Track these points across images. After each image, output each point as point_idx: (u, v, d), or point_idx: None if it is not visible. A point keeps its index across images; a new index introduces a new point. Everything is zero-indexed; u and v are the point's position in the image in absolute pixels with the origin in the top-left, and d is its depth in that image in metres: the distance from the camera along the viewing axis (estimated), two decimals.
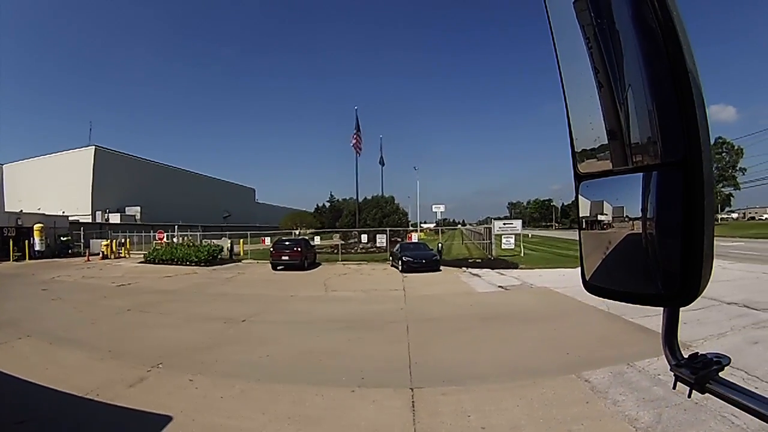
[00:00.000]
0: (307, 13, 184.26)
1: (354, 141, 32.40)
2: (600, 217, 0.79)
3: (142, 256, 25.19)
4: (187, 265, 21.61)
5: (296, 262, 19.12)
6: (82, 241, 30.39)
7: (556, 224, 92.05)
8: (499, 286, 13.78)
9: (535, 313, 9.83)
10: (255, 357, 6.76)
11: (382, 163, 39.77)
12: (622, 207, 0.74)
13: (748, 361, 5.71)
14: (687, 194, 0.64)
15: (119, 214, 42.98)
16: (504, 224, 26.08)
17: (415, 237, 23.90)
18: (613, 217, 0.76)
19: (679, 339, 0.76)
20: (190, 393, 5.23)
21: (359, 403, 4.87)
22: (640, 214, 0.71)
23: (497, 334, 7.94)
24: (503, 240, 24.52)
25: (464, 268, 19.14)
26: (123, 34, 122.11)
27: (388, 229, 24.85)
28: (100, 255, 27.25)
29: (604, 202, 0.78)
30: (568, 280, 14.54)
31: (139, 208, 44.85)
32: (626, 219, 0.73)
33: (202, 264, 21.55)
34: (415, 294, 12.55)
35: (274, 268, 19.54)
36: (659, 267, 0.69)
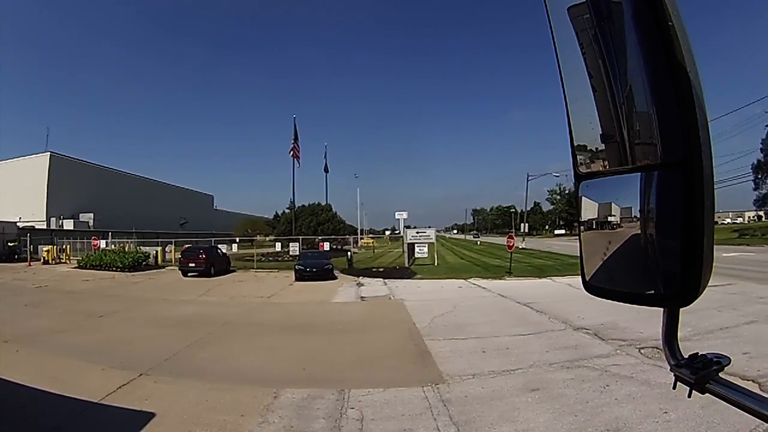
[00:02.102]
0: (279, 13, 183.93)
1: (292, 151, 33.62)
2: (600, 218, 0.80)
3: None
4: (112, 270, 23.02)
5: (201, 269, 20.42)
6: (29, 246, 31.51)
7: (516, 230, 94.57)
8: (362, 297, 14.77)
9: (349, 325, 10.36)
10: (78, 340, 8.65)
11: (326, 170, 41.43)
12: (622, 207, 0.74)
13: (478, 416, 4.92)
14: (687, 194, 0.64)
15: (73, 220, 44.00)
16: (417, 233, 27.06)
17: (327, 246, 25.36)
18: (613, 218, 0.76)
19: (679, 339, 0.76)
20: (11, 357, 7.25)
21: (95, 376, 6.40)
22: (640, 214, 0.71)
23: (279, 342, 8.65)
24: (416, 249, 25.46)
25: (361, 277, 20.29)
26: (86, 31, 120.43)
27: (300, 237, 26.31)
28: (42, 260, 28.52)
29: (604, 203, 0.78)
30: (437, 291, 15.83)
31: (92, 215, 45.89)
32: (626, 219, 0.73)
33: (126, 270, 22.90)
34: (273, 301, 14.03)
35: (185, 274, 20.80)
36: (659, 267, 0.69)
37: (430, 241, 26.62)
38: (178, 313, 11.78)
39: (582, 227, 0.83)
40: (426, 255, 26.06)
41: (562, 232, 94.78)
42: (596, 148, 0.78)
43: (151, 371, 6.81)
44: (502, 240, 64.84)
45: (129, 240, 29.24)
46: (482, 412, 5.04)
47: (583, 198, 0.82)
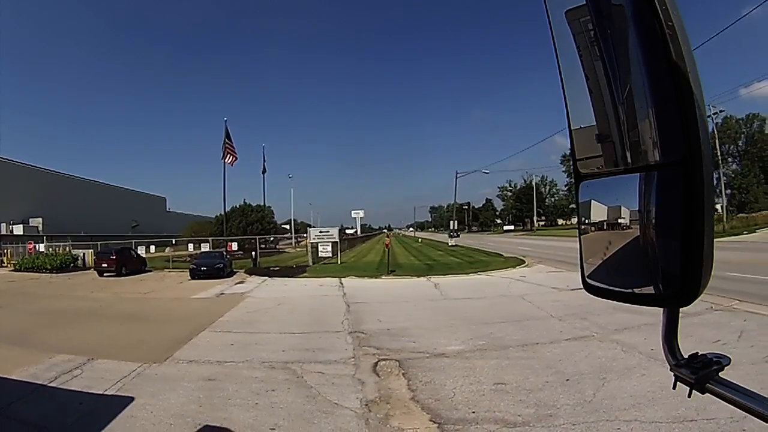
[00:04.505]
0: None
1: (225, 153, 35.62)
2: (600, 217, 0.81)
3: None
4: (42, 272, 25.97)
5: (113, 269, 23.17)
6: None
7: (466, 228, 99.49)
8: (222, 293, 16.96)
9: (172, 317, 12.61)
10: None
11: (263, 171, 44.10)
12: (622, 207, 0.75)
13: (136, 388, 6.16)
14: (687, 194, 0.65)
15: (22, 225, 46.30)
16: (320, 232, 29.44)
17: (235, 246, 28.38)
18: (612, 217, 0.78)
19: (679, 339, 0.78)
20: None
21: None
22: (639, 214, 0.72)
23: (105, 327, 11.14)
24: (320, 248, 28.06)
25: (254, 276, 22.93)
26: (35, 32, 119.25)
27: (210, 238, 29.24)
28: None
29: (604, 202, 0.80)
30: (297, 289, 17.71)
31: (41, 220, 48.24)
32: (626, 219, 0.74)
33: (54, 271, 25.87)
34: (147, 297, 17.07)
35: (100, 274, 23.54)
36: (659, 267, 0.70)
37: (334, 240, 28.85)
38: (58, 306, 14.92)
39: (581, 227, 0.85)
40: (330, 254, 28.18)
41: (511, 228, 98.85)
42: (597, 148, 0.79)
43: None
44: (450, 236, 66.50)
45: (64, 243, 31.95)
46: (143, 386, 6.46)
47: (583, 198, 0.83)
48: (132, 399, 6.04)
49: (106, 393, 6.30)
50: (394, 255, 38.84)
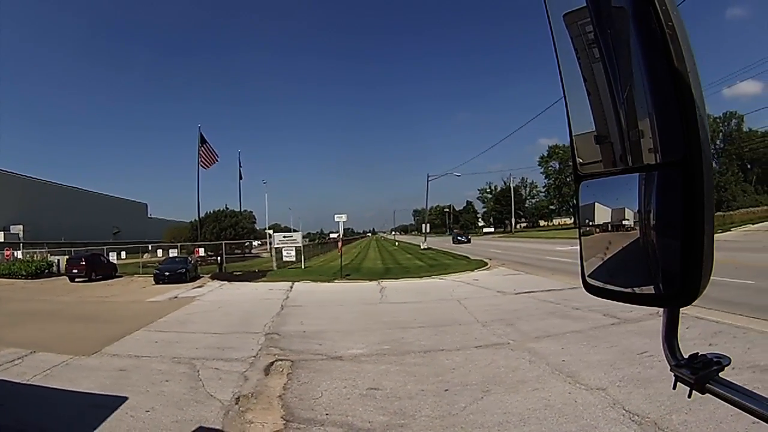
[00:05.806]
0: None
1: (201, 159, 37.13)
2: (600, 218, 0.82)
3: None
4: (17, 278, 27.41)
5: (83, 275, 24.60)
6: None
7: (449, 229, 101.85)
8: (175, 297, 17.81)
9: (121, 317, 13.42)
10: None
11: (240, 177, 45.61)
12: (622, 207, 0.76)
13: (58, 376, 7.12)
14: (687, 194, 0.66)
15: (3, 233, 47.51)
16: (284, 237, 30.78)
17: (202, 251, 29.90)
18: (612, 217, 0.78)
19: (679, 339, 0.79)
20: None
21: None
22: (639, 214, 0.72)
23: (59, 326, 12.21)
24: (284, 252, 29.23)
25: (215, 280, 24.33)
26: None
27: (179, 244, 30.75)
28: None
29: (604, 202, 0.80)
30: (247, 293, 18.60)
31: (21, 227, 49.51)
32: (626, 219, 0.75)
33: (30, 277, 27.33)
34: (107, 300, 18.52)
35: (72, 279, 24.99)
36: (659, 267, 0.71)
37: (297, 245, 30.16)
38: (25, 308, 16.28)
39: (581, 227, 0.85)
40: (293, 258, 29.35)
41: (491, 230, 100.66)
42: (597, 151, 0.80)
43: None
44: (432, 239, 66.61)
45: (42, 250, 33.35)
46: (65, 374, 7.42)
47: (583, 198, 0.84)
48: (50, 385, 7.14)
49: (31, 379, 7.34)
50: (364, 258, 40.81)
